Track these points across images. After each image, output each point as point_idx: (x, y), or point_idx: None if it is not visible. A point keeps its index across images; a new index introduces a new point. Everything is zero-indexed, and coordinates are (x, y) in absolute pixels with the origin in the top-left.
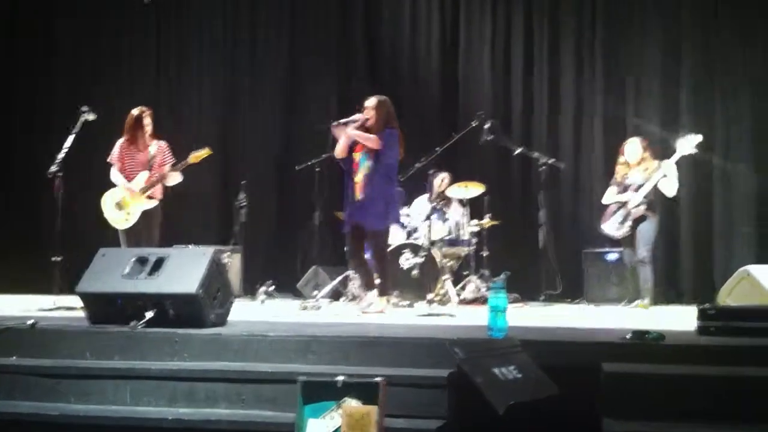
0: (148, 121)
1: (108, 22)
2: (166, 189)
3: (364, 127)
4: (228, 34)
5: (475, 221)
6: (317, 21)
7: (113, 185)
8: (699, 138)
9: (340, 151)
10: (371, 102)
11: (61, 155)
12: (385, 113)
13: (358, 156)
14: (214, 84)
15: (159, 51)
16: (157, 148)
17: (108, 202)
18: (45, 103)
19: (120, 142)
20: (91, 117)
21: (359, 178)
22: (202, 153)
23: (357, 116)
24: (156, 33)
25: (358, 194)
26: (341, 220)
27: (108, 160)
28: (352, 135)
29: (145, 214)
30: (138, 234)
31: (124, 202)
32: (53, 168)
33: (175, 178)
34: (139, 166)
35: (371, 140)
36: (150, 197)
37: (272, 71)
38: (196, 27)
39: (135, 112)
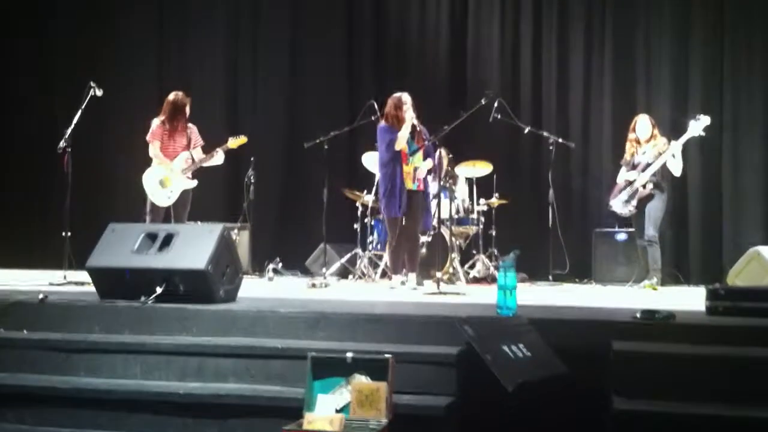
0: (187, 108)
1: None
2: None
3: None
4: (232, 9)
5: (484, 200)
6: None
7: (147, 163)
8: (708, 120)
9: (401, 144)
10: (408, 98)
11: (69, 130)
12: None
13: (405, 147)
14: (220, 60)
15: (162, 28)
16: (190, 130)
17: (151, 179)
18: (50, 80)
19: (157, 122)
20: (99, 92)
21: (410, 168)
22: (239, 140)
23: (411, 123)
24: (159, 10)
25: (411, 183)
26: (350, 198)
27: (147, 138)
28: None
29: (183, 194)
30: (168, 212)
31: (167, 180)
32: (62, 143)
33: (219, 158)
34: (179, 148)
35: (430, 164)
36: (189, 177)
37: (278, 47)
38: (199, 3)
39: (177, 98)
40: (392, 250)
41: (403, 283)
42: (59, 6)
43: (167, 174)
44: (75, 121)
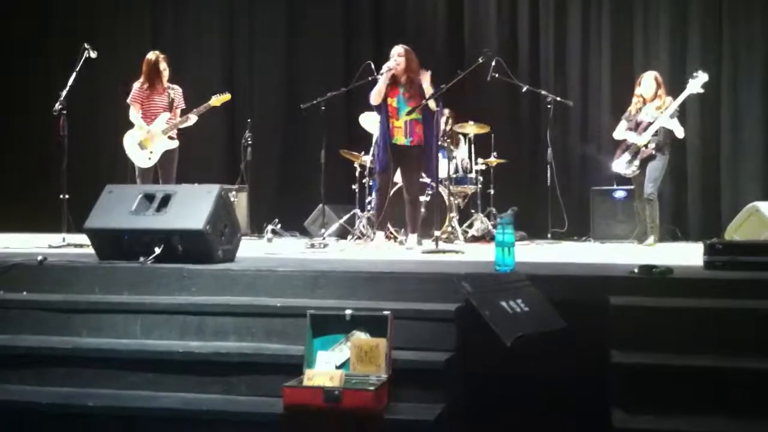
0: (164, 66)
1: None
2: (179, 131)
3: (394, 75)
4: None
5: (482, 159)
6: None
7: (131, 125)
8: (706, 77)
9: (375, 98)
10: (400, 49)
11: (64, 93)
12: (415, 60)
13: (393, 101)
14: (216, 21)
15: None
16: (174, 92)
17: (130, 142)
18: (46, 42)
19: (137, 84)
20: (93, 54)
21: (400, 122)
22: (223, 97)
23: (384, 70)
24: None
25: (403, 138)
26: (347, 159)
27: (127, 101)
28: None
29: (166, 154)
30: (156, 173)
31: (146, 142)
32: (57, 106)
33: (191, 121)
34: (158, 109)
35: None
36: (171, 137)
37: (275, 8)
38: None
39: (152, 57)
40: (375, 205)
41: (394, 240)
42: None
43: (146, 135)
44: (70, 83)
